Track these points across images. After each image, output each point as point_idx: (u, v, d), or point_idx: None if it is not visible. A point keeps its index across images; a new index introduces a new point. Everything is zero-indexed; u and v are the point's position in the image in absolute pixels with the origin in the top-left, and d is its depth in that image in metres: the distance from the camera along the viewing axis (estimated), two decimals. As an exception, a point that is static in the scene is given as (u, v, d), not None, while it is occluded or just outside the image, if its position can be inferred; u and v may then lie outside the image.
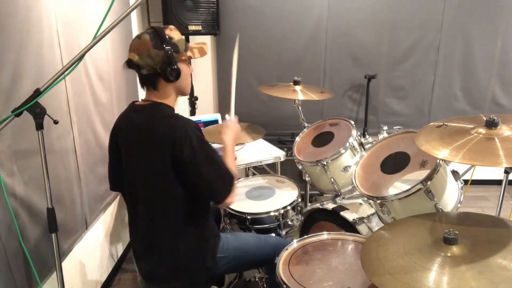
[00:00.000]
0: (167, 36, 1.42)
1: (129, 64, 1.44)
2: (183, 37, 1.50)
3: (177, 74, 1.44)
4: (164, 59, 1.40)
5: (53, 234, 1.50)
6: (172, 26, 1.48)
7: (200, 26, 3.14)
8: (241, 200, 2.11)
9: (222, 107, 3.70)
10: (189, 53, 1.50)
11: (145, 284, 1.64)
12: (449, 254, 1.12)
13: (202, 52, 1.54)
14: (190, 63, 1.54)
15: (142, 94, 1.54)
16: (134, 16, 3.11)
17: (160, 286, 1.63)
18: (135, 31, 3.08)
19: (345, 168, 2.05)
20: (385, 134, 1.99)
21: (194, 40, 3.55)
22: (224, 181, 1.49)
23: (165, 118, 1.45)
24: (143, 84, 1.49)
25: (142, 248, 1.60)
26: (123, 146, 1.54)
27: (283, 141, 3.46)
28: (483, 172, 3.69)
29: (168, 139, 1.39)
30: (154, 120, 1.45)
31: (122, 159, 1.55)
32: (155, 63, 1.40)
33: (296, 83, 2.46)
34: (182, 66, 1.47)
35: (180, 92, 1.55)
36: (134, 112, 1.52)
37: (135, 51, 1.41)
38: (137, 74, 1.47)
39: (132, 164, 1.52)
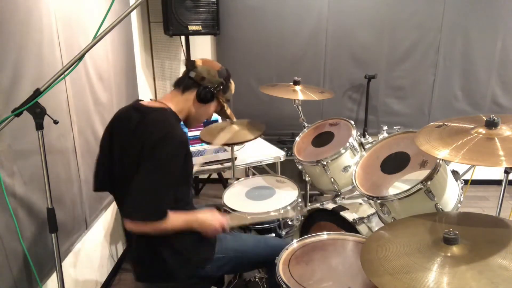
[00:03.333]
0: (230, 80, 1.63)
1: (189, 63, 1.58)
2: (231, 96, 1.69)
3: (208, 99, 1.56)
4: (214, 82, 1.55)
5: (53, 234, 1.50)
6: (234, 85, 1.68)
7: (200, 26, 3.14)
8: (241, 200, 2.11)
9: (222, 107, 3.70)
10: (225, 104, 1.64)
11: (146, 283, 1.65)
12: (449, 254, 1.12)
13: (231, 116, 1.71)
14: (216, 110, 1.65)
15: (142, 94, 1.55)
16: (134, 16, 3.11)
17: (156, 286, 1.63)
18: (135, 31, 3.08)
19: (345, 168, 2.05)
20: (385, 134, 1.99)
21: (194, 40, 3.54)
22: (144, 206, 1.36)
23: (163, 123, 1.44)
24: (178, 84, 1.58)
25: (132, 247, 1.59)
26: (118, 143, 1.50)
27: (283, 141, 3.46)
28: (483, 172, 3.69)
29: (150, 136, 1.38)
30: (154, 123, 1.43)
31: (113, 157, 1.51)
32: (205, 77, 1.54)
33: (296, 83, 2.46)
34: (213, 103, 1.60)
35: (190, 118, 1.60)
36: (137, 111, 1.49)
37: (203, 61, 1.58)
38: (183, 74, 1.58)
39: (125, 162, 1.48)
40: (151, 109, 1.48)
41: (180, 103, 1.55)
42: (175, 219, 1.42)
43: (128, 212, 1.38)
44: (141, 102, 1.56)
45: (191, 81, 1.54)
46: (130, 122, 1.46)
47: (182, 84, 1.56)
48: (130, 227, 1.37)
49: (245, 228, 1.98)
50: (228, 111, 1.68)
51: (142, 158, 1.38)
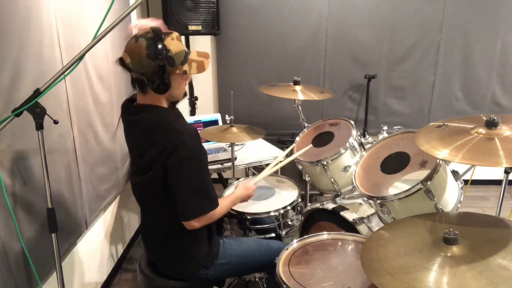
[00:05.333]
0: (165, 47, 1.34)
1: (121, 62, 1.42)
2: (185, 48, 1.41)
3: (166, 88, 1.37)
4: (154, 70, 1.33)
5: (53, 234, 1.50)
6: (176, 34, 1.40)
7: (200, 26, 3.14)
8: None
9: (222, 107, 3.70)
10: (185, 67, 1.41)
11: (146, 283, 1.66)
12: (449, 254, 1.12)
13: (200, 69, 1.44)
14: (186, 73, 1.44)
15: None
16: (134, 16, 3.11)
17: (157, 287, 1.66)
18: (135, 31, 3.07)
19: (345, 168, 2.05)
20: (385, 134, 1.99)
21: (194, 40, 3.55)
22: (197, 204, 1.46)
23: (163, 124, 1.44)
24: (133, 85, 1.47)
25: (144, 239, 1.71)
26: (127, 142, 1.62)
27: (283, 141, 3.46)
28: (483, 172, 3.69)
29: (160, 144, 1.41)
30: (149, 123, 1.46)
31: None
32: (144, 72, 1.35)
33: (296, 83, 2.46)
34: (175, 78, 1.40)
35: (171, 100, 1.50)
36: (129, 112, 1.54)
37: (129, 52, 1.38)
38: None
39: (133, 162, 1.59)
40: (149, 112, 1.47)
41: (153, 100, 1.45)
42: (224, 203, 1.60)
43: (189, 214, 1.46)
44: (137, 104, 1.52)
45: (138, 81, 1.40)
46: (135, 124, 1.52)
47: (137, 87, 1.44)
48: (194, 225, 1.48)
49: (245, 229, 1.98)
50: (193, 68, 1.43)
51: (166, 164, 1.40)
